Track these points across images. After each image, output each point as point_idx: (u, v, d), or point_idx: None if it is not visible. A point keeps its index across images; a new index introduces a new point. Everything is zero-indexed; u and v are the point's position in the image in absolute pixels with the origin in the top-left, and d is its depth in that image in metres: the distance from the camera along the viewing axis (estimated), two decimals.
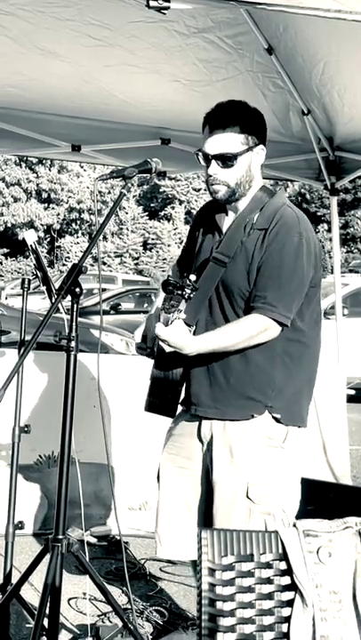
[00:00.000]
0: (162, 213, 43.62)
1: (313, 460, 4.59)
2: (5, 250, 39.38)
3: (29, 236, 2.82)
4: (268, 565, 1.67)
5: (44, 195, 41.02)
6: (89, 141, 4.53)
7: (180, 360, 2.39)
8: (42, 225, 40.33)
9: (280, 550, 1.68)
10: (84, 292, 2.39)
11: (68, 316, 2.23)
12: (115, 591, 3.27)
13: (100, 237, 2.31)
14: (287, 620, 1.63)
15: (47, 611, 2.17)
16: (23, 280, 3.09)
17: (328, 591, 1.65)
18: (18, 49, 3.41)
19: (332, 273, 6.26)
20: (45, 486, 4.19)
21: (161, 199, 44.31)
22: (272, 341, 2.33)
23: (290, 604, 1.64)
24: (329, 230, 22.68)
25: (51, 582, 2.15)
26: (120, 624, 2.62)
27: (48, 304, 3.27)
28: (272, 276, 2.30)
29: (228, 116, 2.36)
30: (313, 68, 3.64)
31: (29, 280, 3.12)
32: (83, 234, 42.01)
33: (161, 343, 2.26)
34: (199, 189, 41.07)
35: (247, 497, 2.32)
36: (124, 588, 3.29)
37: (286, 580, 1.66)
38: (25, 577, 2.43)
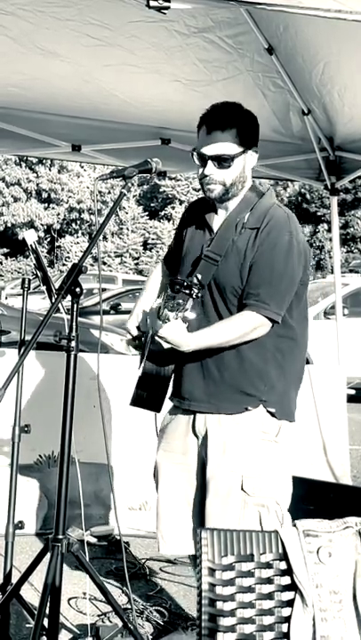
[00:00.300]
0: (162, 213, 43.60)
1: (313, 460, 4.59)
2: (5, 250, 39.36)
3: (29, 236, 2.82)
4: (268, 565, 1.67)
5: (44, 195, 40.99)
6: (89, 141, 4.53)
7: (172, 356, 2.44)
8: (42, 225, 40.29)
9: (280, 550, 1.68)
10: (84, 291, 2.39)
11: (68, 316, 2.23)
12: (115, 591, 3.27)
13: (100, 237, 2.31)
14: (287, 619, 1.63)
15: (47, 610, 2.17)
16: (23, 280, 3.09)
17: (328, 591, 1.65)
18: (18, 49, 3.41)
19: (332, 273, 6.26)
20: (45, 486, 4.19)
21: (161, 199, 44.30)
22: (264, 338, 2.39)
23: (290, 604, 1.64)
24: (329, 230, 22.72)
25: (51, 582, 2.15)
26: (120, 624, 2.62)
27: (48, 304, 3.27)
28: (264, 274, 2.37)
29: (226, 118, 2.40)
30: (313, 68, 3.64)
31: (29, 280, 3.11)
32: (83, 234, 41.98)
33: (160, 340, 2.28)
34: (199, 189, 40.71)
35: (242, 489, 2.38)
36: (124, 588, 3.29)
37: (286, 580, 1.66)
38: (25, 577, 2.43)
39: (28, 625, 2.90)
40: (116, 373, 3.80)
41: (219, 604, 1.63)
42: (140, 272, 36.84)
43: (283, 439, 2.45)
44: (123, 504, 3.94)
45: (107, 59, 3.54)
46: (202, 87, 3.77)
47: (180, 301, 2.14)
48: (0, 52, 3.45)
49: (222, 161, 2.39)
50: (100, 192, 36.93)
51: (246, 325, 2.35)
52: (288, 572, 1.66)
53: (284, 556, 1.67)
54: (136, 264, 40.84)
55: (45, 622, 2.19)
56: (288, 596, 1.65)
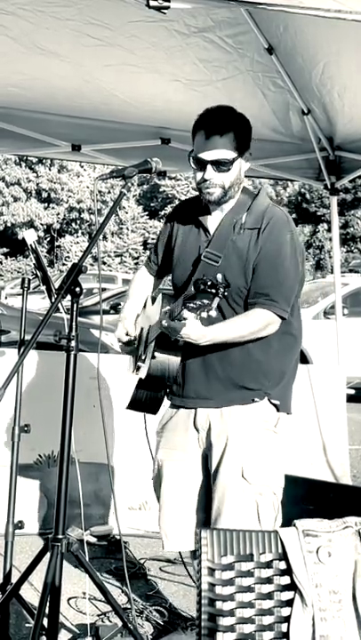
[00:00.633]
0: (162, 213, 43.50)
1: (313, 460, 4.59)
2: (5, 249, 39.33)
3: (29, 236, 2.83)
4: (267, 565, 1.67)
5: (44, 194, 40.95)
6: (89, 141, 4.53)
7: (180, 355, 2.45)
8: (42, 224, 40.26)
9: (280, 550, 1.68)
10: (84, 291, 2.39)
11: (68, 316, 2.23)
12: (114, 591, 3.27)
13: (100, 237, 2.31)
14: (287, 619, 1.63)
15: (47, 610, 2.17)
16: (23, 280, 3.09)
17: (328, 591, 1.65)
18: (18, 49, 3.41)
19: (332, 273, 6.25)
20: (45, 486, 4.19)
21: (161, 199, 44.27)
22: (270, 335, 2.44)
23: (289, 603, 1.64)
24: (329, 230, 22.70)
25: (50, 582, 2.15)
26: (120, 624, 2.62)
27: (48, 304, 3.26)
28: (271, 274, 2.42)
29: (223, 122, 2.43)
30: (313, 68, 3.64)
31: (29, 280, 3.12)
32: (83, 233, 41.96)
33: (181, 338, 2.26)
34: None
35: (242, 477, 2.42)
36: (124, 588, 3.29)
37: (286, 580, 1.66)
38: (25, 576, 2.43)
39: (27, 624, 2.90)
40: (116, 373, 3.80)
41: (218, 604, 1.63)
42: None
43: (281, 430, 2.52)
44: (122, 504, 3.94)
45: (107, 59, 3.54)
46: (202, 87, 3.77)
47: (205, 301, 2.15)
48: (0, 52, 3.45)
49: (221, 165, 2.42)
50: (99, 192, 36.91)
51: (260, 322, 2.40)
52: (288, 571, 1.66)
53: (283, 556, 1.67)
54: (136, 264, 40.79)
55: (45, 622, 2.19)
56: (288, 595, 1.65)
